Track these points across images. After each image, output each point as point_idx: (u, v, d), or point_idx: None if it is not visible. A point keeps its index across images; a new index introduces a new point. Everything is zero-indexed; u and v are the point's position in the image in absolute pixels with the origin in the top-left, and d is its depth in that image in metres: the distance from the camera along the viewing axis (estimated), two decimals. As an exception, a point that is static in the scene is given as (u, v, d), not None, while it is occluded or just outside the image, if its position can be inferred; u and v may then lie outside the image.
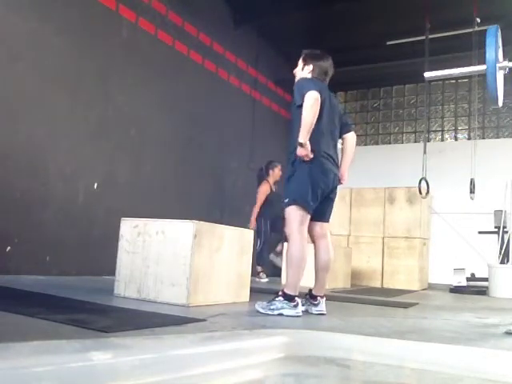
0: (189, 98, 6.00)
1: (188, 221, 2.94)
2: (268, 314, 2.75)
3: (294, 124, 2.92)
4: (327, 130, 3.00)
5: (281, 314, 2.75)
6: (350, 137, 3.22)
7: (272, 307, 2.78)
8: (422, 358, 1.74)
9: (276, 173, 6.38)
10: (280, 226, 6.45)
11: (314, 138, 2.84)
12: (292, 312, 2.75)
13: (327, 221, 3.12)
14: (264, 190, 6.27)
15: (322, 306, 3.00)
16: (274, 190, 6.39)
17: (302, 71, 3.13)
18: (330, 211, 3.14)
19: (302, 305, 2.91)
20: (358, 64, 7.75)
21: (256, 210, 6.20)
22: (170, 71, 5.72)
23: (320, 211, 3.01)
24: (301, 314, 2.81)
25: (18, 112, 4.03)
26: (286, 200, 2.93)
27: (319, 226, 3.07)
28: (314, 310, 3.01)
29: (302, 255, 2.81)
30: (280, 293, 2.82)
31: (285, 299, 2.77)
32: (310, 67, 3.11)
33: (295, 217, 2.87)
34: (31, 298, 2.70)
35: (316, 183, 2.88)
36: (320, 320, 2.82)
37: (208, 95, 6.34)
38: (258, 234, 6.12)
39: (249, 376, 1.51)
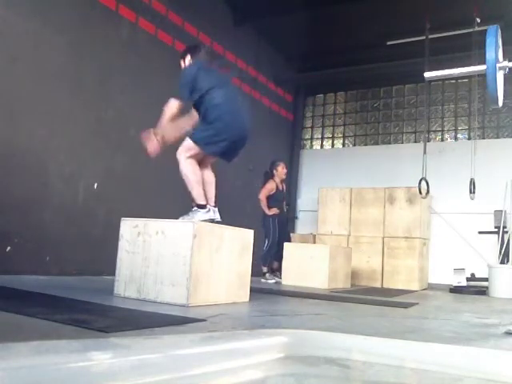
0: (189, 97, 5.99)
1: (188, 221, 2.94)
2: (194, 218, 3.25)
3: None
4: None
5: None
6: None
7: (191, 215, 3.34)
8: (422, 358, 1.73)
9: (280, 171, 6.36)
10: (283, 234, 6.44)
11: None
12: (205, 216, 3.32)
13: None
14: (268, 187, 6.26)
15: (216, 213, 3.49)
16: (280, 188, 6.38)
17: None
18: None
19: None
20: (358, 64, 7.76)
21: (263, 199, 6.17)
22: (169, 71, 5.70)
23: None
24: (214, 217, 3.40)
25: (18, 112, 4.03)
26: None
27: None
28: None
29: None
30: (194, 205, 3.39)
31: (199, 208, 3.34)
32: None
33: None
34: (31, 298, 2.70)
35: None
36: (320, 320, 2.82)
37: (208, 95, 6.33)
38: (265, 234, 6.11)
39: (249, 376, 1.51)
